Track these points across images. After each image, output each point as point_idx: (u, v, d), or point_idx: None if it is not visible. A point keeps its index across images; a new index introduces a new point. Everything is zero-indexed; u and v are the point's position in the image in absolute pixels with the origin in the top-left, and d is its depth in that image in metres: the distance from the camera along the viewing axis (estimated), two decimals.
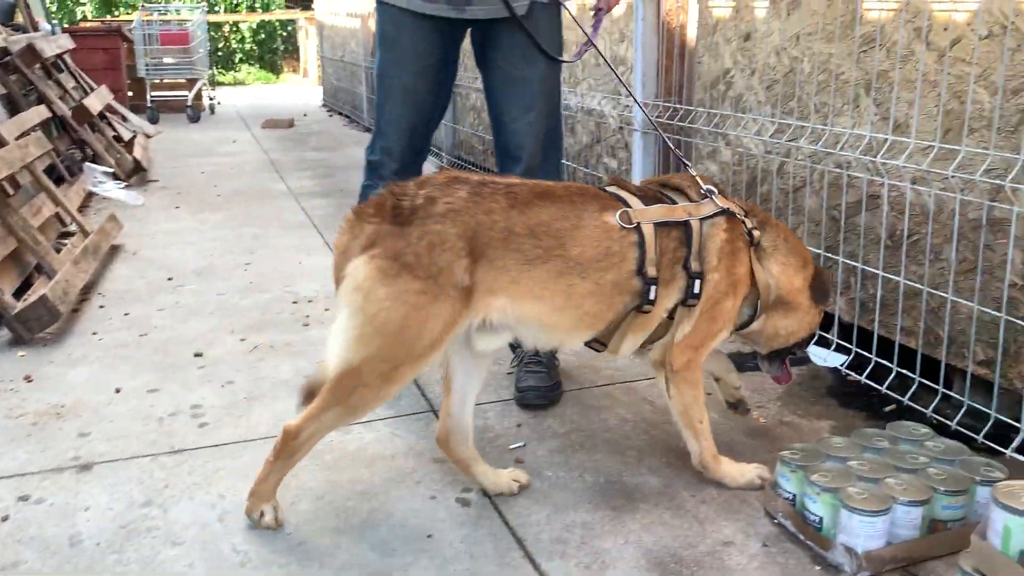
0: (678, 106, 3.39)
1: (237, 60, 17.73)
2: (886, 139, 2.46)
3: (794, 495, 1.88)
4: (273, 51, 18.11)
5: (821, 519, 1.79)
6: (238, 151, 7.80)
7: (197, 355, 2.92)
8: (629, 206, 1.95)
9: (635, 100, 2.99)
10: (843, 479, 1.81)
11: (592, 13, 2.57)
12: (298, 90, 15.02)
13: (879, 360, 2.53)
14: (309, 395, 1.95)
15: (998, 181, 2.11)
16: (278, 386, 2.68)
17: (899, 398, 2.40)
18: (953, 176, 2.19)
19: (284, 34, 18.09)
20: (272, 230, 4.72)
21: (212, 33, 15.17)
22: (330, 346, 1.84)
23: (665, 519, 1.93)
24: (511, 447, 2.26)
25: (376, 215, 1.83)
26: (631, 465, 2.17)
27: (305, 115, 10.80)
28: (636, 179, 3.62)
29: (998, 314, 2.16)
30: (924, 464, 1.86)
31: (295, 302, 3.46)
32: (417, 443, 2.29)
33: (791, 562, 1.78)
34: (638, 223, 1.92)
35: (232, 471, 2.16)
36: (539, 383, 2.50)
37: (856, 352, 2.65)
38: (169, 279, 3.80)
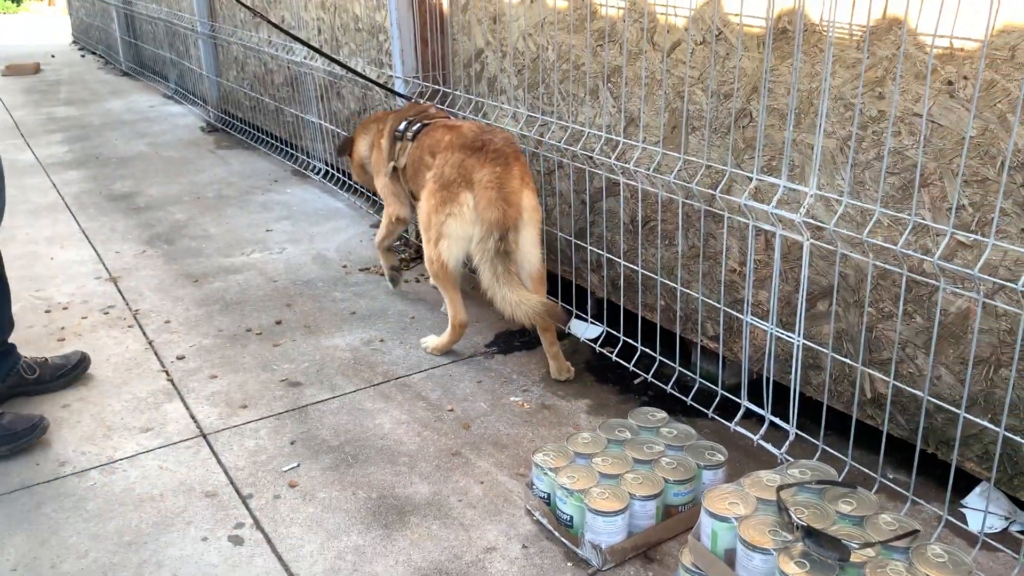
0: (436, 87, 3.41)
1: None
2: (619, 138, 2.61)
3: (548, 495, 2.05)
4: None
5: (571, 517, 1.97)
6: None
7: None
8: None
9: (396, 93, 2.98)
10: (588, 480, 1.98)
11: None
12: (44, 22, 13.58)
13: (627, 340, 2.74)
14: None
15: (711, 191, 2.31)
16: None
17: (644, 375, 2.63)
18: (675, 182, 2.37)
19: None
20: (19, 216, 4.34)
21: None
22: (533, 253, 2.61)
23: (433, 531, 2.05)
24: (284, 469, 2.29)
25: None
26: (403, 475, 2.26)
27: (53, 56, 9.84)
28: None
29: (717, 305, 2.40)
30: (658, 454, 2.08)
31: (48, 311, 3.24)
32: (187, 476, 2.26)
33: (547, 562, 1.95)
34: None
35: None
36: None
37: (612, 326, 2.86)
38: None
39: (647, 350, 2.67)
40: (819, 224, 2.04)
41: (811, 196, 2.04)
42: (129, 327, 3.09)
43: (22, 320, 3.16)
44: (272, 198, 4.58)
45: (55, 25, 12.89)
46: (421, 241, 2.81)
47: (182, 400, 2.61)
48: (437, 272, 2.72)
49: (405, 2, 3.41)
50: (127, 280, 3.51)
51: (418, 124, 2.93)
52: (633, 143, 2.57)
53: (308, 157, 4.97)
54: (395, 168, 3.03)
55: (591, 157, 2.65)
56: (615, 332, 2.78)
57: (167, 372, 2.78)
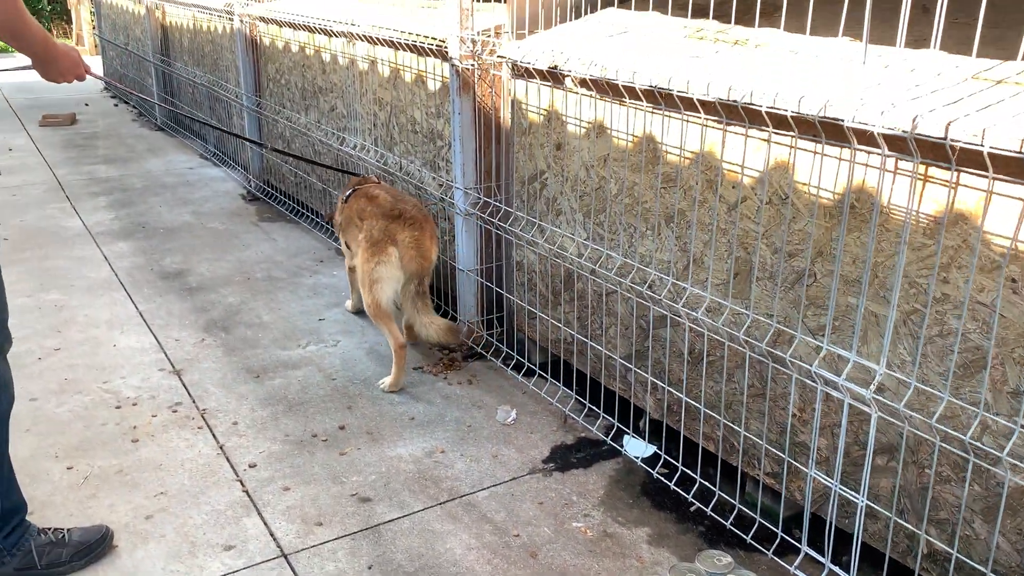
0: (496, 203, 3.57)
1: None
2: (685, 284, 2.77)
3: None
4: (38, 11, 16.48)
5: None
6: (18, 165, 7.20)
7: None
8: None
9: (457, 206, 3.14)
10: None
11: None
12: None
13: (686, 470, 2.87)
14: None
15: (777, 352, 2.46)
16: (119, 532, 2.65)
17: (703, 506, 2.76)
18: (742, 337, 2.52)
19: None
20: (76, 294, 4.49)
21: None
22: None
23: None
24: None
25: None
26: None
27: (87, 104, 10.05)
28: (461, 256, 3.80)
29: (781, 454, 2.54)
30: None
31: (118, 406, 3.38)
32: None
33: None
34: None
35: None
36: None
37: (665, 446, 2.99)
38: None
39: (706, 483, 2.80)
40: (889, 404, 2.18)
41: (880, 374, 2.18)
42: (199, 428, 3.22)
43: (94, 417, 3.30)
44: (320, 281, 4.73)
45: None
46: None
47: (259, 515, 2.74)
48: (375, 313, 3.53)
49: (469, 118, 3.58)
50: (190, 373, 3.65)
51: (350, 191, 3.81)
52: (698, 293, 2.72)
53: None
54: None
55: (651, 294, 2.81)
56: (660, 447, 2.90)
57: (242, 482, 2.90)
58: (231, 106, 6.74)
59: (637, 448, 3.09)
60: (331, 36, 4.79)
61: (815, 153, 2.32)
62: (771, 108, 2.27)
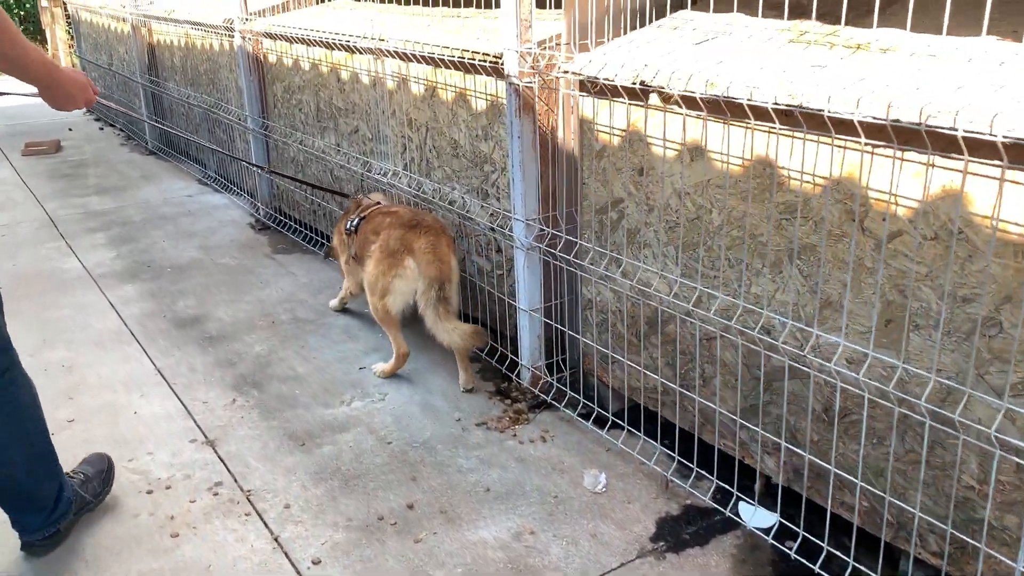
0: (560, 234, 3.16)
1: None
2: (814, 329, 2.37)
3: None
4: None
5: None
6: (3, 200, 6.73)
7: None
8: None
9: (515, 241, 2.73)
10: None
11: None
12: None
13: (814, 539, 2.48)
14: None
15: (944, 412, 2.06)
16: None
17: None
18: (898, 394, 2.12)
19: (22, 13, 15.91)
20: (84, 349, 4.05)
21: None
22: (455, 298, 3.50)
23: None
24: None
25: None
26: None
27: (71, 129, 9.55)
28: (523, 294, 3.41)
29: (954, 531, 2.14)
30: None
31: (149, 491, 2.94)
32: None
33: None
34: None
35: None
36: None
37: (785, 511, 2.60)
38: None
39: (839, 554, 2.40)
40: None
41: None
42: (247, 515, 2.79)
43: (123, 507, 2.87)
44: (352, 322, 4.30)
45: None
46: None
47: None
48: (383, 317, 3.53)
49: (530, 142, 3.17)
50: (226, 443, 3.22)
51: (356, 219, 3.78)
52: (832, 340, 2.31)
53: None
54: (353, 255, 3.93)
55: (769, 340, 2.41)
56: (777, 512, 2.51)
57: None
58: (232, 129, 6.30)
59: (757, 518, 2.69)
60: (353, 53, 4.36)
61: (999, 180, 1.92)
62: (951, 129, 1.87)
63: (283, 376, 3.76)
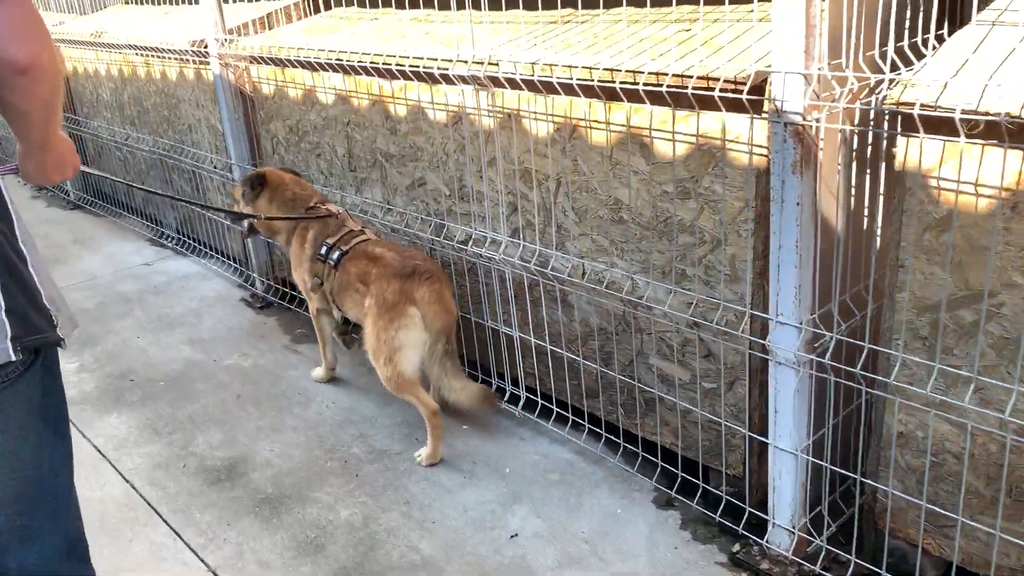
0: (844, 338, 2.11)
1: None
2: None
3: None
4: None
5: None
6: None
7: None
8: None
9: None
10: None
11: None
12: None
13: None
14: None
15: None
16: None
17: None
18: None
19: None
20: (91, 535, 2.75)
21: None
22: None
23: None
24: None
25: None
26: None
27: None
28: (783, 426, 2.35)
29: None
30: None
31: None
32: None
33: None
34: None
35: None
36: None
37: None
38: None
39: None
40: None
41: None
42: None
43: None
44: (467, 445, 3.15)
45: None
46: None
47: None
48: (398, 385, 3.03)
49: (809, 210, 2.10)
50: None
51: (337, 253, 3.26)
52: None
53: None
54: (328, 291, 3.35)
55: None
56: None
57: None
58: (201, 178, 4.97)
59: None
60: (427, 82, 3.17)
61: None
62: None
63: (403, 566, 2.58)
